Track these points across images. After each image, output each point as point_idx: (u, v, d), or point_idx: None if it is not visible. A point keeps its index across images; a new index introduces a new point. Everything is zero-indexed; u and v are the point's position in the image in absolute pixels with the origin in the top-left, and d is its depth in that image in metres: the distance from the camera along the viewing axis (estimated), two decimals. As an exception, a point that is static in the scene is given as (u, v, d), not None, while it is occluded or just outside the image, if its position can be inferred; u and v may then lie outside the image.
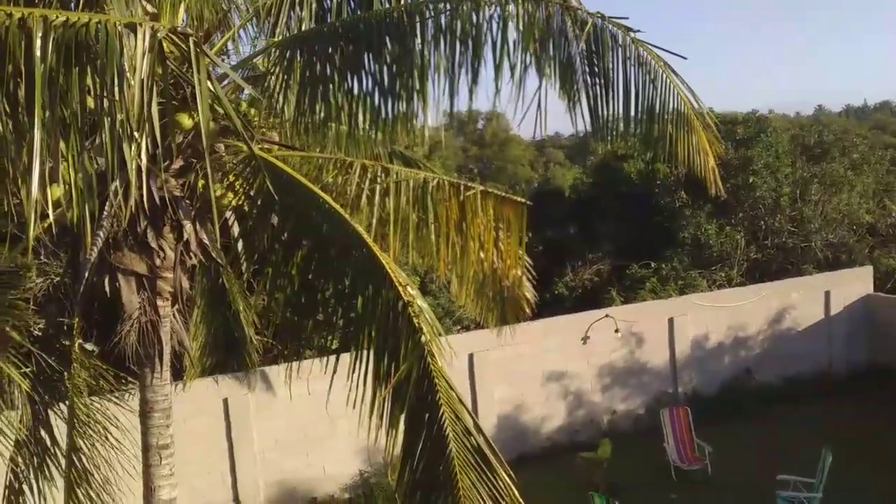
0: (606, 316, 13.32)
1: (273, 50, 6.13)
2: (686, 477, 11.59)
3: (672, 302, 14.24)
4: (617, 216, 18.06)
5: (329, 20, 6.61)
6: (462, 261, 7.31)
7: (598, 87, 5.15)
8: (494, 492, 4.63)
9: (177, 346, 7.06)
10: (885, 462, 11.53)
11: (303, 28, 6.58)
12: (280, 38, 6.42)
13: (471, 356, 12.51)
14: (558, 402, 13.29)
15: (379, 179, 6.90)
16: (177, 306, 6.22)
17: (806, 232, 16.88)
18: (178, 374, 9.19)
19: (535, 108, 5.05)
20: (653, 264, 16.59)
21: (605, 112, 5.18)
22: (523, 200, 7.56)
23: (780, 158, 17.12)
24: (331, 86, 5.73)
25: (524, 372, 12.99)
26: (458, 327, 14.48)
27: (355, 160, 6.86)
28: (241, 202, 6.07)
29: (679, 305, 14.07)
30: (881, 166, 18.60)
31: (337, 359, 4.99)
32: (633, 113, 5.26)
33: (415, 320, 4.51)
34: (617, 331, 13.26)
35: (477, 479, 4.58)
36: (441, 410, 4.39)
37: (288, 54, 5.88)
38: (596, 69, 5.09)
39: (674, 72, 5.30)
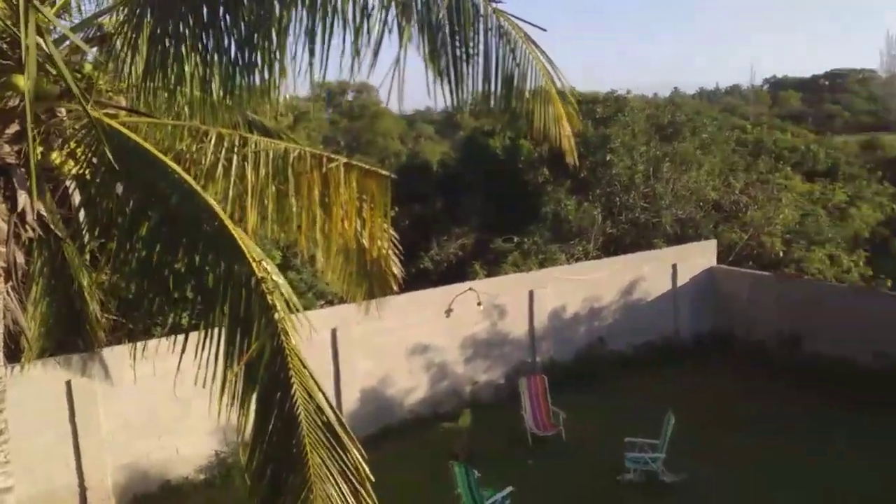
0: (469, 289, 13.54)
1: (120, 8, 5.70)
2: (542, 443, 12.04)
3: (533, 275, 14.68)
4: (482, 191, 18.36)
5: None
6: (325, 234, 7.16)
7: (458, 57, 5.12)
8: (345, 468, 4.61)
9: (11, 325, 6.53)
10: (724, 422, 12.48)
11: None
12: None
13: (334, 331, 12.39)
14: (422, 375, 13.43)
15: (236, 149, 6.62)
16: (10, 283, 5.73)
17: (657, 208, 17.83)
18: (15, 355, 8.52)
19: (396, 77, 4.97)
20: (516, 239, 17.02)
21: (466, 81, 5.16)
22: (387, 174, 7.44)
23: (636, 137, 17.95)
24: (182, 48, 5.39)
25: (389, 346, 13.01)
26: (322, 302, 14.28)
27: (211, 128, 6.54)
28: (82, 171, 5.65)
29: (539, 278, 14.52)
30: (727, 146, 19.89)
31: (186, 337, 4.75)
32: (492, 83, 5.26)
33: (268, 297, 4.35)
34: (479, 304, 13.52)
35: (328, 456, 4.55)
36: (293, 389, 4.28)
37: (137, 12, 5.47)
38: (457, 38, 5.05)
39: (533, 43, 5.35)
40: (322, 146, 24.32)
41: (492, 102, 5.29)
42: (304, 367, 4.39)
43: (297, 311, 4.66)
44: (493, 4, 5.17)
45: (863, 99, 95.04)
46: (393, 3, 5.04)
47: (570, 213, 17.01)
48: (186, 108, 6.60)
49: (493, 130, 18.55)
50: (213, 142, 6.60)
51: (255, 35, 5.25)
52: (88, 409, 10.66)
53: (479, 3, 5.13)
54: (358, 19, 4.96)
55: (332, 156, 7.00)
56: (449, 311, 13.50)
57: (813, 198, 19.68)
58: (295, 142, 7.68)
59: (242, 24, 5.22)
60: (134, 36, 5.43)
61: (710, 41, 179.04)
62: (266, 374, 4.37)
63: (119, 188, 5.00)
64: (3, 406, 5.77)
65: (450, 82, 5.10)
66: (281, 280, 4.77)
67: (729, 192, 17.94)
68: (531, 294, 14.30)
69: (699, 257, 16.22)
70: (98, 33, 6.55)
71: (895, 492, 10.14)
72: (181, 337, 4.80)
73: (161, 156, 4.97)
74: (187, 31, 5.36)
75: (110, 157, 4.71)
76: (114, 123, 5.20)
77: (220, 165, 6.61)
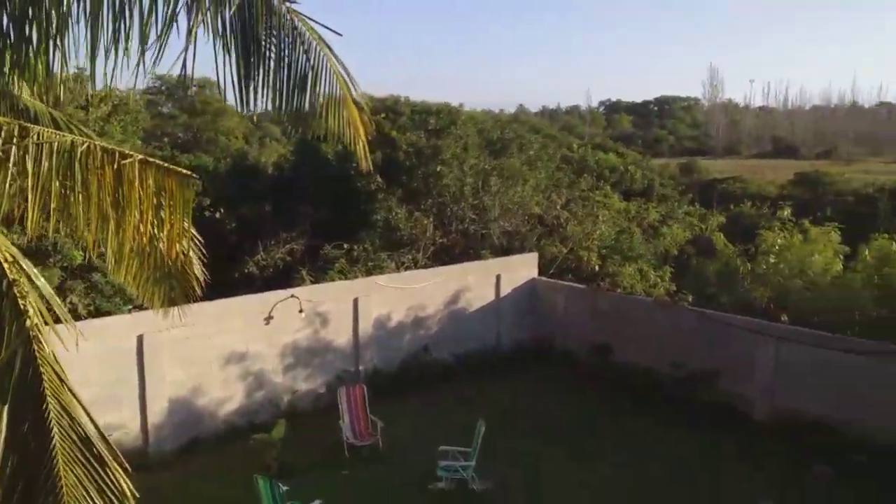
0: (292, 296, 13.22)
1: None
2: (359, 453, 11.93)
3: (358, 283, 14.56)
4: (315, 196, 18.04)
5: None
6: (118, 235, 6.68)
7: (249, 54, 4.92)
8: (104, 487, 4.29)
9: None
10: (537, 429, 12.95)
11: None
12: None
13: (140, 337, 11.66)
14: (238, 384, 12.94)
15: (15, 140, 6.04)
16: None
17: (486, 220, 18.29)
18: None
19: (183, 71, 4.72)
20: (346, 245, 16.85)
21: (257, 80, 4.98)
22: (188, 173, 7.07)
23: (467, 150, 18.34)
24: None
25: (202, 353, 12.42)
26: (131, 306, 13.41)
27: (-14, 115, 5.94)
28: None
29: (364, 286, 14.43)
30: (552, 164, 20.77)
31: None
32: (284, 85, 5.11)
33: (20, 302, 3.93)
34: (301, 311, 13.23)
35: (84, 474, 4.22)
36: (46, 402, 3.89)
37: None
38: (248, 36, 4.85)
39: (328, 47, 5.25)
40: (144, 142, 23.00)
41: (283, 103, 5.13)
42: (61, 378, 4.01)
43: (66, 321, 4.28)
44: (288, 4, 5.02)
45: (686, 125, 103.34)
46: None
47: (400, 222, 17.07)
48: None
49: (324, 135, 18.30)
50: (-13, 131, 6.01)
51: (30, 9, 4.81)
52: None
53: (273, 2, 4.96)
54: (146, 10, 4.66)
55: (127, 152, 6.56)
56: (269, 319, 13.11)
57: (629, 215, 20.95)
58: (90, 136, 7.14)
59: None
60: None
61: (557, 63, 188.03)
62: (18, 385, 3.95)
63: None
64: None
65: (240, 80, 4.90)
66: (41, 282, 4.36)
67: (551, 207, 18.71)
68: (356, 302, 14.18)
69: (522, 269, 16.77)
70: None
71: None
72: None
73: None
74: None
75: None
76: None
77: (-3, 157, 6.04)
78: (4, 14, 4.94)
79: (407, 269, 16.90)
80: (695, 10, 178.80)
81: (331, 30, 5.30)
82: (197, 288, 8.12)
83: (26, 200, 6.00)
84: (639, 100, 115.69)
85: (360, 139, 5.64)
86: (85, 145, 6.22)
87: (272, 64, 5.16)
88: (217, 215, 17.35)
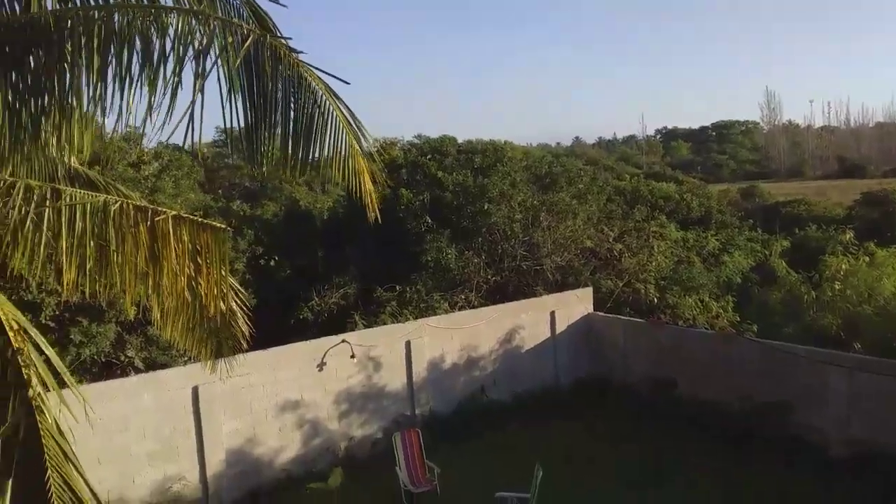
0: (343, 341, 13.20)
1: None
2: (416, 500, 11.70)
3: (409, 325, 14.46)
4: (365, 240, 18.13)
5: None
6: (157, 292, 6.76)
7: (256, 107, 4.93)
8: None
9: None
10: (600, 471, 12.49)
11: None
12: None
13: (195, 388, 11.76)
14: (294, 433, 12.90)
15: (48, 202, 6.19)
16: None
17: (538, 256, 18.05)
18: None
19: (190, 125, 4.76)
20: (398, 287, 16.82)
21: (262, 133, 4.97)
22: (222, 226, 7.13)
23: (515, 187, 18.21)
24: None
25: (257, 403, 12.46)
26: (186, 358, 13.58)
27: (19, 180, 6.10)
28: None
29: (415, 328, 14.31)
30: (603, 196, 20.46)
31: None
32: (290, 136, 5.10)
33: (24, 371, 3.93)
34: (353, 356, 13.18)
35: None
36: (48, 475, 3.84)
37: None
38: (255, 87, 4.87)
39: (336, 96, 5.22)
40: (208, 194, 23.59)
41: (288, 153, 5.11)
42: (63, 450, 3.96)
43: (69, 386, 4.26)
44: (295, 56, 5.02)
45: (747, 149, 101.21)
46: (191, 49, 4.85)
47: (451, 262, 16.97)
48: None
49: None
50: (20, 195, 6.17)
51: (44, 78, 4.94)
52: None
53: (280, 53, 4.97)
54: (152, 69, 4.73)
55: (160, 209, 6.66)
56: (322, 365, 13.10)
57: (687, 245, 20.40)
58: (124, 194, 7.28)
59: (30, 68, 4.92)
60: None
61: (611, 93, 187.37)
62: (22, 456, 3.92)
63: None
64: None
65: (246, 131, 4.91)
66: (49, 352, 4.36)
67: (604, 240, 18.37)
68: (408, 345, 14.07)
69: (577, 304, 16.43)
70: None
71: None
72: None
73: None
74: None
75: None
76: None
77: (29, 220, 6.19)
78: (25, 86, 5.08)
79: (461, 308, 16.74)
80: (748, 31, 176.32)
81: (339, 79, 5.29)
82: (242, 341, 8.16)
83: (61, 261, 6.13)
84: (695, 126, 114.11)
85: (367, 189, 5.56)
86: (118, 204, 6.32)
87: (279, 115, 5.16)
88: (272, 263, 17.59)
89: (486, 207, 17.04)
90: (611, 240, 18.25)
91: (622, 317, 16.72)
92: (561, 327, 16.15)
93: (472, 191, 17.15)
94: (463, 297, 17.25)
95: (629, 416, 14.58)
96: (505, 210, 17.46)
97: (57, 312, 11.84)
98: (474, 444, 13.60)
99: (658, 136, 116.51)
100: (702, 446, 13.02)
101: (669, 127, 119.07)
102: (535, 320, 15.87)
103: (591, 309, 16.66)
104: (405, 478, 11.92)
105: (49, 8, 5.71)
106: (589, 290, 16.89)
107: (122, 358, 13.09)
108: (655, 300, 17.43)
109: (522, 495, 10.69)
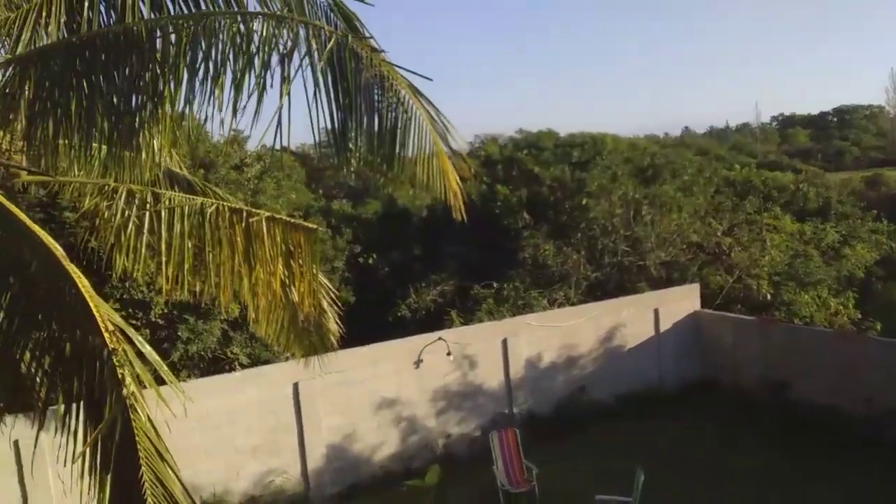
0: (439, 339, 13.18)
1: (14, 65, 5.53)
2: (515, 500, 11.53)
3: (506, 323, 14.28)
4: (462, 237, 18.07)
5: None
6: (252, 291, 6.90)
7: (341, 109, 4.90)
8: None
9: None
10: (708, 475, 11.92)
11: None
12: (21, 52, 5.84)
13: (296, 385, 12.02)
14: (391, 429, 12.99)
15: (148, 206, 6.42)
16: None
17: (641, 251, 17.47)
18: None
19: (278, 127, 4.77)
20: (495, 285, 16.67)
21: (349, 133, 4.93)
22: (314, 226, 7.23)
23: (615, 180, 17.68)
24: (71, 105, 5.21)
25: (355, 399, 12.62)
26: (288, 355, 13.91)
27: (121, 185, 6.35)
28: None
29: (513, 326, 14.12)
30: (710, 187, 19.57)
31: (44, 411, 4.46)
32: (376, 137, 5.03)
33: (118, 371, 4.03)
34: (449, 353, 13.14)
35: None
36: (141, 472, 3.92)
37: (21, 71, 5.32)
38: (339, 88, 4.83)
39: (420, 94, 5.11)
40: (313, 193, 24.20)
41: (374, 155, 5.04)
42: (155, 447, 4.04)
43: (167, 383, 4.34)
44: (378, 55, 4.95)
45: (871, 135, 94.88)
46: (275, 51, 4.87)
47: (549, 258, 16.66)
48: (96, 165, 6.36)
49: (462, 178, 18.44)
50: (122, 199, 6.42)
51: (139, 84, 5.07)
52: (40, 471, 10.28)
53: (362, 53, 4.92)
54: (240, 74, 4.77)
55: (252, 210, 6.78)
56: (418, 363, 13.13)
57: (804, 238, 19.22)
58: (224, 197, 7.45)
59: (125, 76, 5.05)
60: (20, 95, 5.27)
61: (716, 81, 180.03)
62: (117, 455, 4.03)
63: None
64: None
65: (333, 133, 4.89)
66: (146, 350, 4.47)
67: (710, 234, 17.55)
68: (504, 343, 13.89)
69: (682, 301, 15.78)
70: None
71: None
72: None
73: (26, 220, 4.72)
74: (76, 93, 5.20)
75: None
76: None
77: (131, 223, 6.43)
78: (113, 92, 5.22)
79: (559, 306, 16.42)
80: (871, 7, 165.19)
81: (422, 76, 5.17)
82: (333, 341, 8.24)
83: (161, 261, 6.34)
84: (814, 111, 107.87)
85: (453, 188, 5.41)
86: (213, 206, 6.48)
87: (363, 114, 5.10)
88: (370, 261, 17.81)
89: (584, 202, 16.63)
90: (719, 233, 17.44)
91: (731, 314, 15.94)
92: (665, 325, 15.55)
93: (570, 185, 16.77)
94: (561, 294, 16.92)
95: (738, 419, 13.86)
96: (605, 204, 16.97)
97: (166, 310, 12.37)
98: (573, 445, 13.26)
99: (774, 124, 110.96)
100: (818, 451, 12.21)
101: (786, 113, 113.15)
102: (638, 318, 15.35)
103: (697, 306, 15.95)
104: (502, 478, 11.77)
105: (143, 17, 5.91)
106: (695, 287, 16.18)
107: (228, 354, 13.55)
108: (768, 297, 16.52)
109: (625, 499, 10.33)
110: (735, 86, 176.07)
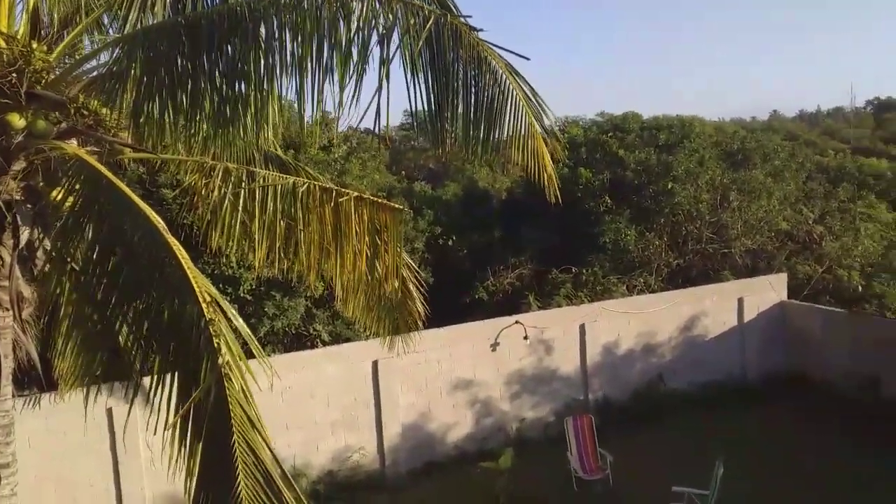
0: (516, 322, 13.15)
1: (121, 45, 5.75)
2: (587, 487, 11.46)
3: (583, 308, 14.11)
4: (542, 221, 17.92)
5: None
6: (339, 269, 7.03)
7: (438, 88, 4.90)
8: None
9: (25, 358, 6.62)
10: (789, 473, 11.56)
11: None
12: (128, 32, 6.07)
13: (375, 363, 12.21)
14: (466, 410, 13.07)
15: (244, 184, 6.60)
16: (23, 315, 5.84)
17: (726, 238, 16.95)
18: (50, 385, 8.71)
19: (378, 106, 4.81)
20: (574, 269, 16.49)
21: (446, 113, 4.93)
22: (400, 207, 7.31)
23: (702, 165, 17.17)
24: (176, 84, 5.38)
25: (432, 379, 12.75)
26: (368, 333, 14.14)
27: (218, 163, 6.55)
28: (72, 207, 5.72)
29: (590, 312, 13.95)
30: (802, 173, 18.79)
31: (138, 380, 4.69)
32: (472, 116, 5.01)
33: (214, 340, 4.18)
34: (526, 337, 13.10)
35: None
36: (233, 439, 4.06)
37: (128, 51, 5.52)
38: (437, 67, 4.83)
39: (516, 74, 5.06)
40: (395, 175, 24.39)
41: (471, 135, 5.02)
42: (249, 416, 4.17)
43: (259, 356, 4.48)
44: (475, 34, 4.92)
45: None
46: (374, 34, 4.88)
47: (630, 243, 16.35)
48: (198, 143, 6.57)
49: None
50: (219, 177, 6.62)
51: (241, 65, 5.18)
52: (131, 438, 10.77)
53: (460, 32, 4.89)
54: (340, 55, 4.81)
55: (341, 189, 6.90)
56: (495, 345, 13.15)
57: (903, 228, 18.28)
58: (315, 176, 7.60)
59: (228, 56, 5.17)
60: (127, 75, 5.46)
61: (810, 63, 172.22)
62: (210, 422, 4.19)
63: (89, 226, 4.99)
64: (10, 439, 5.84)
65: (430, 113, 4.89)
66: (238, 323, 4.62)
67: (802, 222, 16.86)
68: (582, 328, 13.75)
69: (768, 291, 15.25)
70: (105, 70, 6.68)
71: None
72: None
73: (130, 193, 4.93)
74: (180, 73, 5.35)
75: (80, 191, 4.73)
76: (87, 158, 5.20)
77: (227, 200, 6.63)
78: (218, 72, 5.35)
79: (639, 292, 16.13)
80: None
81: (519, 55, 5.11)
82: (417, 320, 8.32)
83: (253, 238, 6.54)
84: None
85: (547, 171, 5.36)
86: (305, 185, 6.62)
87: (459, 95, 5.08)
88: (450, 243, 17.87)
89: (669, 187, 16.20)
90: (810, 221, 16.75)
91: (821, 306, 15.32)
92: (750, 315, 15.08)
93: (655, 169, 16.38)
94: (641, 280, 16.61)
95: (825, 415, 13.36)
96: (690, 189, 16.51)
97: (253, 287, 12.73)
98: (650, 434, 13.06)
99: (869, 108, 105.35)
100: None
101: (882, 97, 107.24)
102: (721, 307, 14.94)
103: (784, 296, 15.41)
104: (576, 464, 11.71)
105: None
106: (783, 277, 15.62)
107: (311, 331, 13.86)
108: (860, 288, 15.79)
109: (701, 492, 10.12)
110: (829, 69, 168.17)
